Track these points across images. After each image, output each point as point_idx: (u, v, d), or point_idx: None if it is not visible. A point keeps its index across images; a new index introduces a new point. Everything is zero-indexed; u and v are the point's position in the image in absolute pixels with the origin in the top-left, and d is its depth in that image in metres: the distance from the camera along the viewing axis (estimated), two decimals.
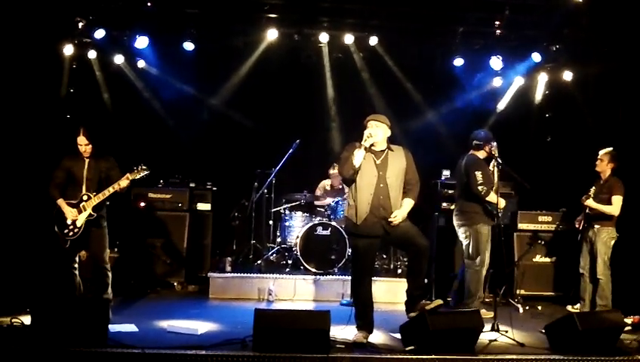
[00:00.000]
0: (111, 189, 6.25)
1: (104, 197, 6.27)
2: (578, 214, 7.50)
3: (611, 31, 8.04)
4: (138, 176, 6.40)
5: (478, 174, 6.93)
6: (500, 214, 6.90)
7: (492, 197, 6.86)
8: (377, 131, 5.71)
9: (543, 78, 9.48)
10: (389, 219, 5.66)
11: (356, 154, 5.61)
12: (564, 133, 9.32)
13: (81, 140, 6.28)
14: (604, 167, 7.28)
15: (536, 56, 8.96)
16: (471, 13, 8.57)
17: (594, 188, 7.21)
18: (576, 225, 7.50)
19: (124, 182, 6.25)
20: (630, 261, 7.62)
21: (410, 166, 5.88)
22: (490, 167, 7.02)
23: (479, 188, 6.87)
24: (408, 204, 5.81)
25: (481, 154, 7.18)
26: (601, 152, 7.32)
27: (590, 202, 7.16)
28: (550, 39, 8.88)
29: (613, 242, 7.11)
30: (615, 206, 7.08)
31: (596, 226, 7.18)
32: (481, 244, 6.99)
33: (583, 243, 7.37)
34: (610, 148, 7.30)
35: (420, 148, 7.61)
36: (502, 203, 6.91)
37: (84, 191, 6.28)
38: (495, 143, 7.05)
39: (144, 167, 6.41)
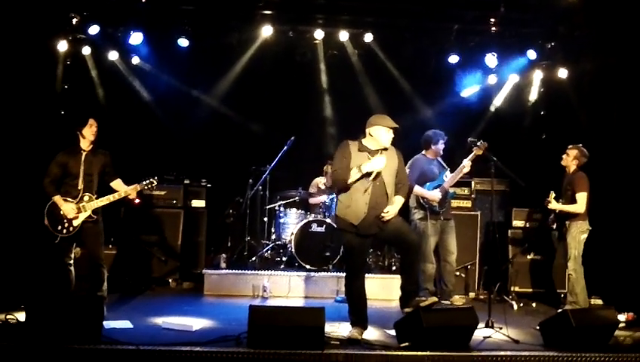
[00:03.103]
0: (117, 196, 6.21)
1: (108, 202, 6.21)
2: None
3: (606, 28, 8.05)
4: (146, 189, 6.41)
5: (407, 170, 7.11)
6: (436, 208, 7.19)
7: (417, 191, 7.24)
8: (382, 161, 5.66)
9: (537, 76, 9.48)
10: (382, 215, 5.67)
11: (352, 175, 5.61)
12: (558, 130, 9.32)
13: (92, 122, 6.20)
14: (568, 162, 7.29)
15: (531, 54, 8.96)
16: (466, 11, 8.56)
17: (552, 192, 7.17)
18: (549, 224, 7.59)
19: (132, 192, 6.23)
20: (624, 258, 7.63)
21: (402, 166, 5.93)
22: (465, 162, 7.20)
23: None
24: (399, 201, 5.83)
25: (430, 154, 7.47)
26: (569, 147, 7.34)
27: (554, 205, 7.15)
28: (545, 37, 8.88)
29: (584, 236, 7.06)
30: (580, 203, 7.05)
31: (567, 222, 7.18)
32: (421, 238, 7.10)
33: (561, 243, 7.36)
34: (580, 145, 7.29)
35: (414, 145, 7.63)
36: (433, 196, 7.19)
37: (80, 185, 6.14)
38: (443, 141, 7.40)
39: (154, 183, 6.40)
